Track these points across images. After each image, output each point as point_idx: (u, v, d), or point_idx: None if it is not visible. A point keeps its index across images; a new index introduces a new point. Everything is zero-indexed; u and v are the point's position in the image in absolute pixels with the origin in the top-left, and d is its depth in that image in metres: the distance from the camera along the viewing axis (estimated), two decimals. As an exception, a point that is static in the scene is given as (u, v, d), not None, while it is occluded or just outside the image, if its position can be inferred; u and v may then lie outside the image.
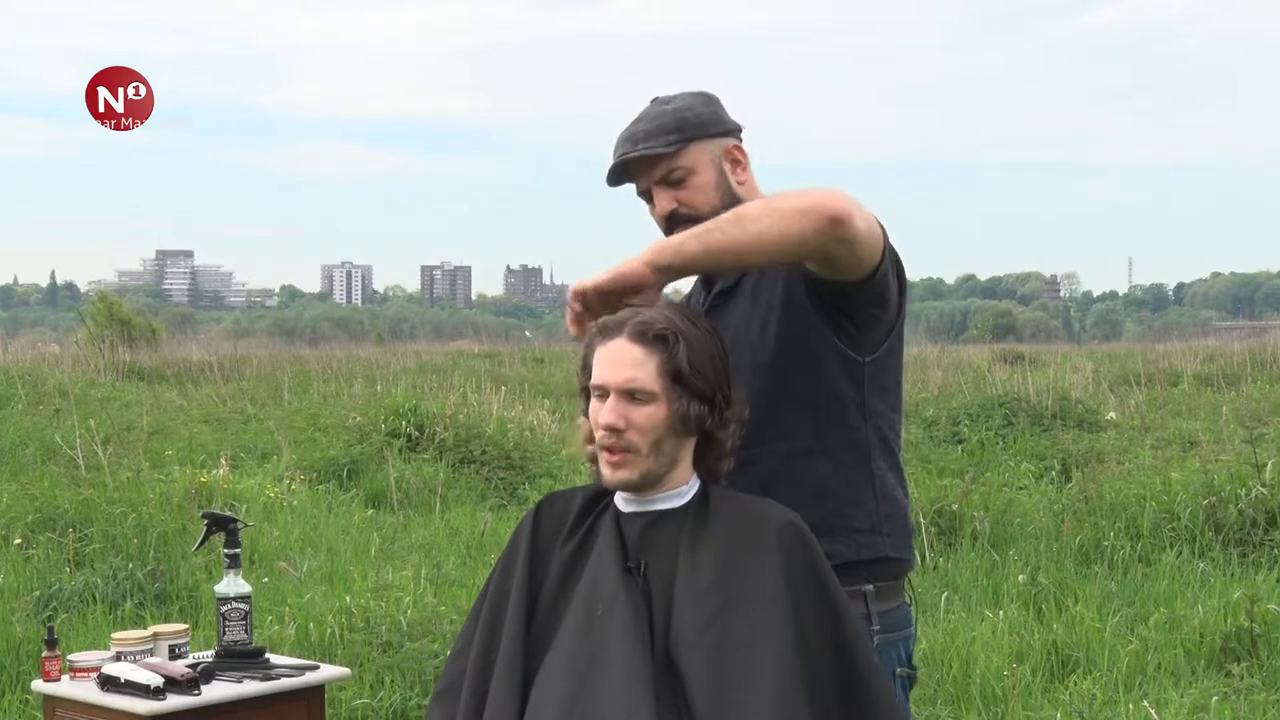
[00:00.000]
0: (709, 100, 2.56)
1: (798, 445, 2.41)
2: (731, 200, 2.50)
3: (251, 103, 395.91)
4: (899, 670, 2.47)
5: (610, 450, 2.27)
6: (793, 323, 2.42)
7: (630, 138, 2.52)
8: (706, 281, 2.58)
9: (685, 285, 2.69)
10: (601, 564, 2.28)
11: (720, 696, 2.14)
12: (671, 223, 2.50)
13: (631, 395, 2.26)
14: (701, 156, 2.50)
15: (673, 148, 2.49)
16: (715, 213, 2.45)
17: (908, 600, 2.55)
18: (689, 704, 2.16)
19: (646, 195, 2.55)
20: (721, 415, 2.31)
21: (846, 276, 2.34)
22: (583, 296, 2.33)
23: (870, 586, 2.43)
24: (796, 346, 2.42)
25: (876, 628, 2.42)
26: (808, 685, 2.18)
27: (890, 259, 2.38)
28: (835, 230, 2.24)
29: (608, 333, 2.30)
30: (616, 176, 2.57)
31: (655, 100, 2.56)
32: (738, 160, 2.54)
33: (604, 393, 2.28)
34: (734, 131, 2.56)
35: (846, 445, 2.45)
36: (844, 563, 2.39)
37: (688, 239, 2.31)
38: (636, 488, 2.29)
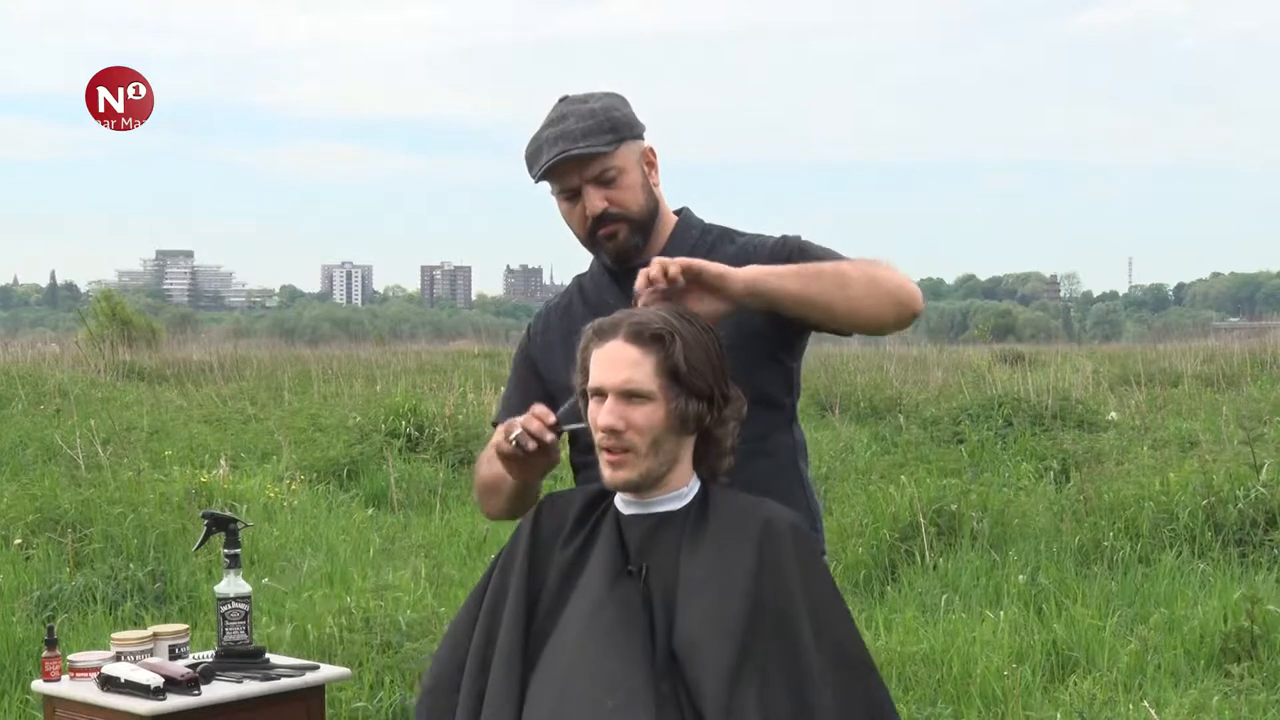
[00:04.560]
0: (624, 101, 2.60)
1: (746, 449, 2.42)
2: (653, 202, 2.55)
3: (251, 103, 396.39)
4: None
5: (610, 451, 2.27)
6: (742, 332, 2.44)
7: (564, 135, 2.50)
8: (614, 276, 2.58)
9: (563, 277, 2.73)
10: (601, 567, 2.29)
11: (725, 691, 2.14)
12: (601, 222, 2.51)
13: (629, 395, 2.26)
14: (630, 157, 2.54)
15: (611, 147, 2.51)
16: (643, 213, 2.52)
17: None
18: (694, 704, 2.16)
19: (572, 194, 2.54)
20: (720, 413, 2.31)
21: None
22: (667, 270, 2.31)
23: None
24: (743, 354, 2.43)
25: None
26: (808, 679, 2.18)
27: None
28: (911, 320, 2.42)
29: (603, 335, 2.30)
30: (541, 173, 2.56)
31: (568, 99, 2.56)
32: (652, 162, 2.59)
33: (602, 394, 2.28)
34: (644, 133, 2.60)
35: (782, 446, 2.55)
36: None
37: (787, 276, 2.37)
38: (637, 488, 2.29)
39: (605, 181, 2.52)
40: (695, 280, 2.33)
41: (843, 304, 2.36)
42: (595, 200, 2.52)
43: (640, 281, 2.34)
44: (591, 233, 2.54)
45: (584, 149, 2.49)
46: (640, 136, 2.57)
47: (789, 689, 2.16)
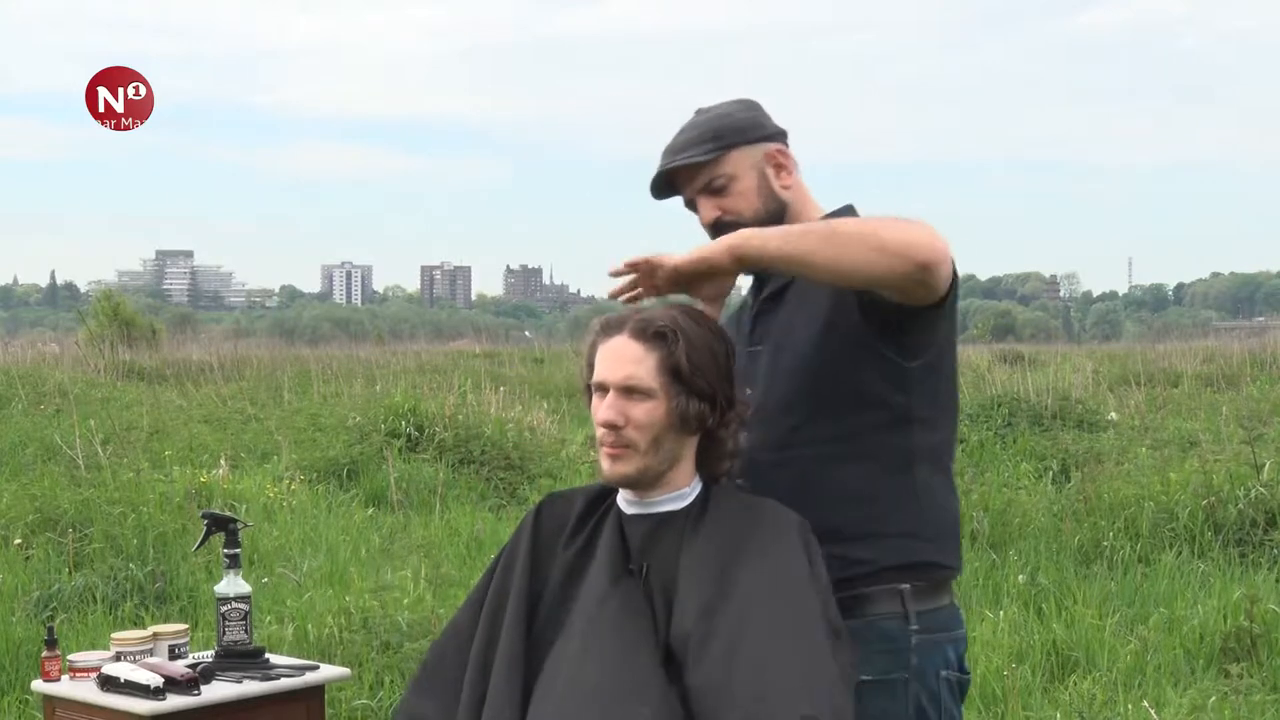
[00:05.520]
0: (749, 106, 2.55)
1: (831, 450, 2.37)
2: (776, 205, 2.48)
3: (251, 103, 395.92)
4: (942, 673, 2.39)
5: (609, 446, 2.28)
6: (835, 327, 2.38)
7: (670, 149, 2.51)
8: (759, 282, 2.56)
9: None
10: (602, 566, 2.29)
11: (732, 685, 2.13)
12: (717, 230, 2.47)
13: (630, 392, 2.26)
14: (742, 162, 2.48)
15: (710, 155, 2.47)
16: (759, 218, 2.44)
17: (956, 602, 2.47)
18: (692, 699, 2.15)
19: (691, 205, 2.54)
20: (723, 414, 2.31)
21: (911, 304, 2.31)
22: (654, 270, 2.31)
23: (907, 585, 2.36)
24: (836, 351, 2.38)
25: (915, 627, 2.35)
26: (824, 671, 2.16)
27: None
28: (920, 275, 2.23)
29: (609, 330, 2.31)
30: (660, 189, 2.55)
31: (698, 111, 2.55)
32: (781, 164, 2.51)
33: (604, 389, 2.29)
34: (776, 136, 2.53)
35: (884, 450, 2.39)
36: (876, 569, 2.35)
37: (773, 235, 2.27)
38: (635, 484, 2.30)
39: (715, 190, 2.48)
40: (686, 276, 2.31)
41: (825, 256, 2.23)
42: (707, 210, 2.49)
43: (622, 282, 2.35)
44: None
45: (681, 161, 2.48)
46: (762, 140, 2.50)
47: (802, 681, 2.13)
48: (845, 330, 2.37)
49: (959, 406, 2.55)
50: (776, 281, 2.50)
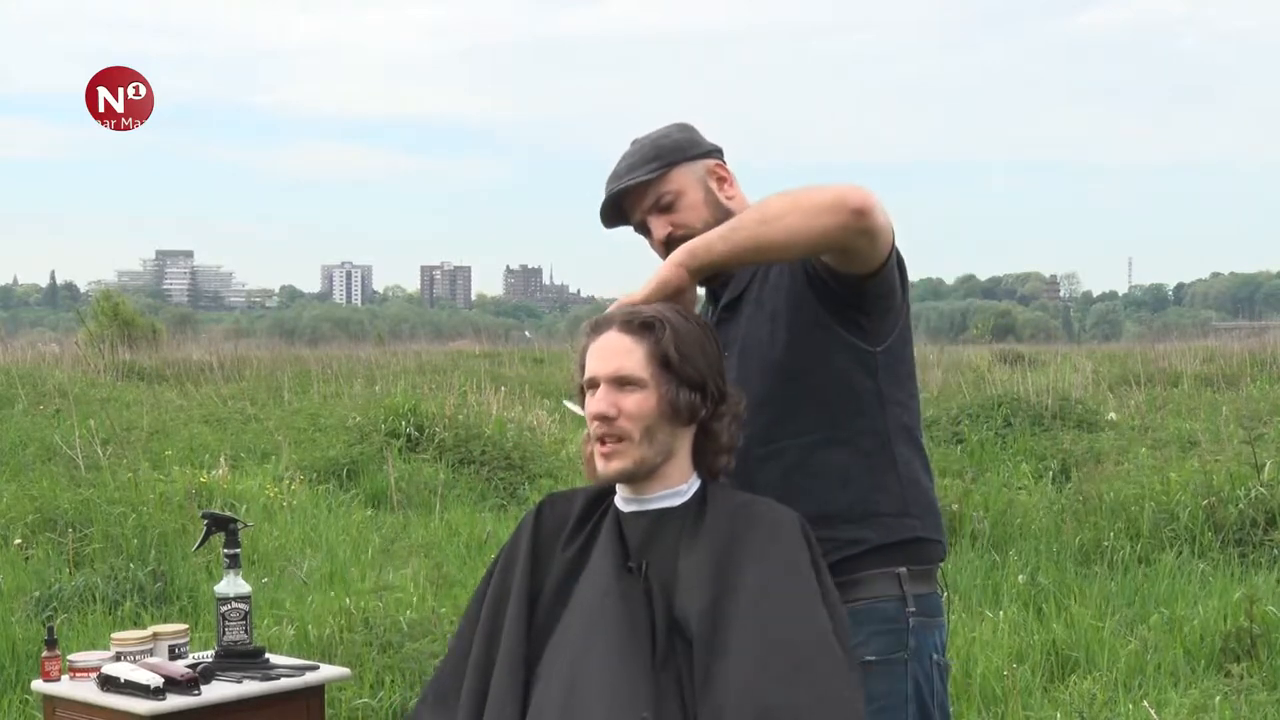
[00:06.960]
0: (684, 128, 2.63)
1: (813, 439, 2.44)
2: (723, 215, 2.54)
3: (251, 103, 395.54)
4: (935, 657, 2.47)
5: (602, 441, 2.29)
6: (801, 323, 2.45)
7: (615, 175, 2.58)
8: (713, 295, 2.62)
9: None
10: (601, 565, 2.29)
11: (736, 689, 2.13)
12: (670, 247, 2.52)
13: (621, 383, 2.29)
14: (686, 178, 2.56)
15: (656, 173, 2.54)
16: (710, 230, 2.48)
17: (940, 590, 2.56)
18: (694, 696, 2.15)
19: (642, 227, 2.60)
20: (716, 406, 2.32)
21: (860, 269, 2.38)
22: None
23: (903, 569, 2.45)
24: (805, 345, 2.45)
25: (912, 609, 2.43)
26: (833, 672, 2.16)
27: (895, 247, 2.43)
28: (859, 223, 2.28)
29: (599, 328, 2.34)
30: (610, 218, 2.62)
31: (633, 141, 2.62)
32: (723, 177, 2.60)
33: (596, 384, 2.30)
34: (713, 152, 2.61)
35: (865, 434, 2.48)
36: (874, 547, 2.43)
37: (715, 239, 2.35)
38: (631, 478, 2.30)
39: (664, 208, 2.55)
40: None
41: (770, 236, 2.30)
42: (659, 228, 2.56)
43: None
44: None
45: (628, 182, 2.55)
46: (702, 156, 2.59)
47: (825, 686, 2.13)
48: (807, 324, 2.45)
49: (918, 385, 2.65)
50: (733, 291, 2.57)
